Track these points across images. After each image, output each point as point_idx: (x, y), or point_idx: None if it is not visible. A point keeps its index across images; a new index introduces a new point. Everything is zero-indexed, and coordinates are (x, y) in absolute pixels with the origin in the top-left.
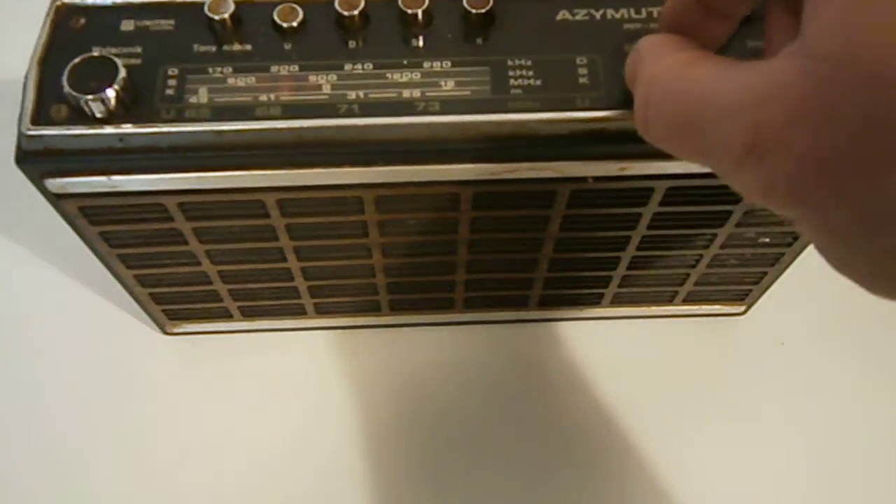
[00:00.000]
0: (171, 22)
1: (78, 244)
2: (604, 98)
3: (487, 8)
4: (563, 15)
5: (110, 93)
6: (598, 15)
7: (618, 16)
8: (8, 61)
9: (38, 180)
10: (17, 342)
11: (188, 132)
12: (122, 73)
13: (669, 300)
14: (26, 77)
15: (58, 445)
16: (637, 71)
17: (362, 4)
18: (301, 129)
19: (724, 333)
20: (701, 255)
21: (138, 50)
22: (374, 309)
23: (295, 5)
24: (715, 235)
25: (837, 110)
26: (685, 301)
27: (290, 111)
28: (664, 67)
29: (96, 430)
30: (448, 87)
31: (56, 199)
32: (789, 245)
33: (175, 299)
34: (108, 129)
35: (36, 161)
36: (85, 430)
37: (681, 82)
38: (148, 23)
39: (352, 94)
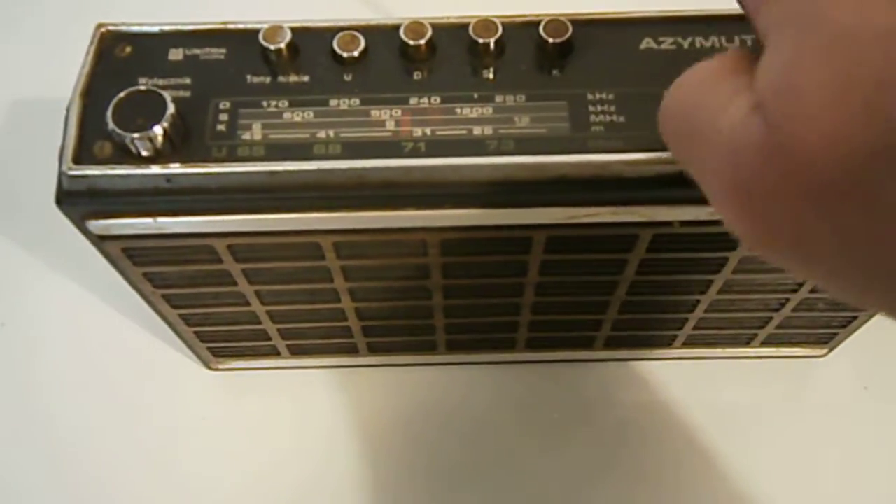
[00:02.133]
0: (223, 51)
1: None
2: None
3: (566, 37)
4: (647, 44)
5: (158, 130)
6: (685, 44)
7: (707, 45)
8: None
9: (79, 221)
10: (52, 373)
11: (240, 172)
12: (171, 108)
13: (746, 342)
14: (68, 109)
15: (90, 474)
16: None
17: (429, 32)
18: (363, 169)
19: (803, 377)
20: (788, 299)
21: (187, 81)
22: (431, 348)
23: (356, 33)
24: (806, 279)
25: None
26: (763, 344)
27: (351, 150)
28: (699, 68)
29: (131, 464)
30: (522, 123)
31: (98, 241)
32: None
33: (221, 338)
34: (155, 169)
35: (77, 202)
36: (119, 465)
37: (694, 91)
38: (198, 52)
39: (418, 131)
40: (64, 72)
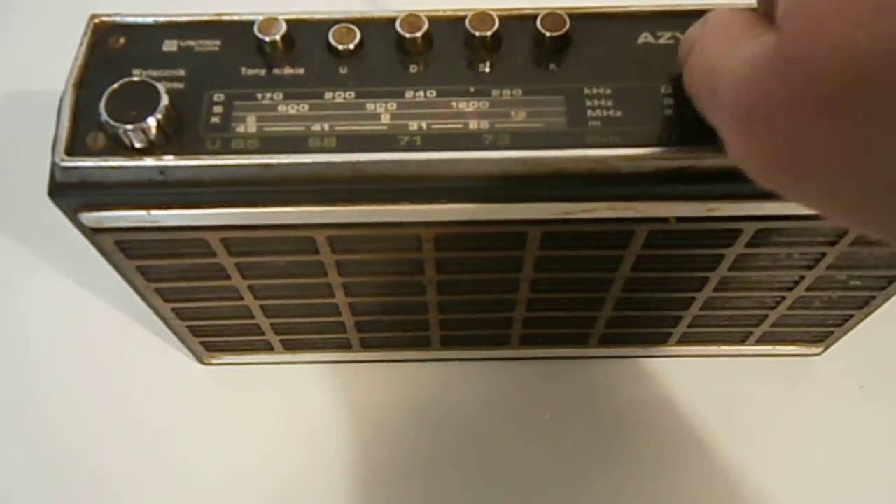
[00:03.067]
0: (217, 42)
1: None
2: (692, 132)
3: (563, 31)
4: (645, 38)
5: (151, 122)
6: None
7: None
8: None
9: (72, 214)
10: (45, 367)
11: (234, 165)
12: (165, 100)
13: (742, 340)
14: (61, 101)
15: (84, 469)
16: (708, 17)
17: (426, 26)
18: (357, 162)
19: (798, 375)
20: (783, 297)
21: (181, 73)
22: (425, 344)
23: (352, 26)
24: (802, 278)
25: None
26: (759, 342)
27: (346, 143)
28: (721, 31)
29: (124, 458)
30: (519, 117)
31: (91, 233)
32: (882, 288)
33: (214, 332)
34: (149, 161)
35: (70, 194)
36: (113, 459)
37: (721, 41)
38: (192, 43)
39: (413, 125)
40: (58, 62)
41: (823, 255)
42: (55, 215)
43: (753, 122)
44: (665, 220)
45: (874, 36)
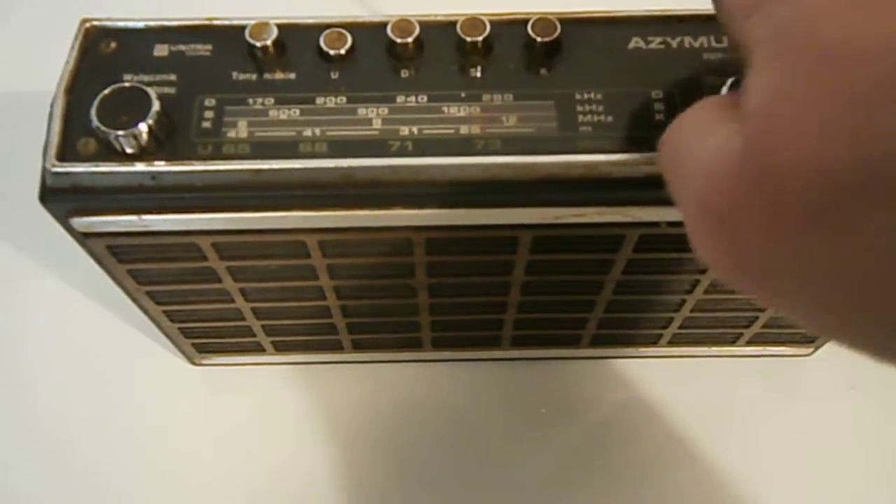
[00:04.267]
0: (209, 47)
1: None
2: None
3: (554, 36)
4: (635, 43)
5: (143, 127)
6: (674, 43)
7: (696, 44)
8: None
9: (63, 219)
10: (37, 368)
11: (225, 170)
12: (156, 105)
13: (732, 341)
14: (52, 106)
15: (75, 467)
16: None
17: (417, 30)
18: (349, 168)
19: (789, 376)
20: None
21: (173, 78)
22: (416, 345)
23: (343, 30)
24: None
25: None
26: (749, 343)
27: (337, 148)
28: (697, 105)
29: (115, 459)
30: (510, 122)
31: (82, 238)
32: None
33: (205, 334)
34: (140, 167)
35: (61, 199)
36: (104, 459)
37: (688, 124)
38: (183, 48)
39: (404, 130)
40: (56, 64)
41: None
42: (48, 218)
43: (714, 223)
44: (656, 224)
45: (853, 159)
